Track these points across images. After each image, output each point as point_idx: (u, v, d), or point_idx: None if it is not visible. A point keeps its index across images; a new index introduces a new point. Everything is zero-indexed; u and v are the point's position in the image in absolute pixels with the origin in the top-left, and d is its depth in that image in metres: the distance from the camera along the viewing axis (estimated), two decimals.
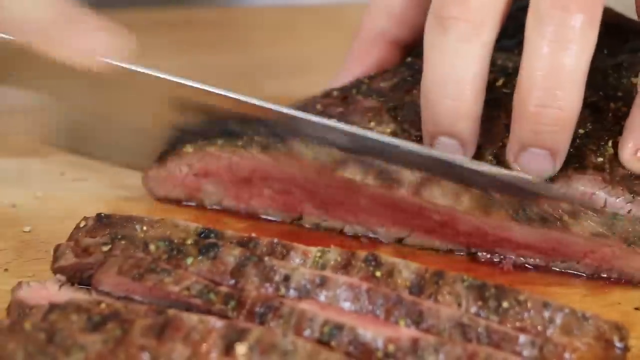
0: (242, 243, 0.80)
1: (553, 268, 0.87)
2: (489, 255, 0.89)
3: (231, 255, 0.78)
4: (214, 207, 0.95)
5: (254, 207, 0.94)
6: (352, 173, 0.87)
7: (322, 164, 0.88)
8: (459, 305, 0.75)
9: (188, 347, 0.70)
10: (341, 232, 0.93)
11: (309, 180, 0.90)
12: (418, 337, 0.72)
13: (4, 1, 0.86)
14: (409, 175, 0.87)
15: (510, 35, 0.92)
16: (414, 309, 0.74)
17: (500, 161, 0.87)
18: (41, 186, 0.99)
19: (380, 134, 0.88)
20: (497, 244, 0.88)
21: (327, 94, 0.96)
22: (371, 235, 0.92)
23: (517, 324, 0.74)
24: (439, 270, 0.77)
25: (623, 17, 0.99)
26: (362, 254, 0.78)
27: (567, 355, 0.72)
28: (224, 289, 0.76)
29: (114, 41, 0.87)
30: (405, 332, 0.73)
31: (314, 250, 0.79)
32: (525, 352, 0.72)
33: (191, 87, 0.91)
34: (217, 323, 0.71)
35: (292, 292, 0.76)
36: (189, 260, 0.78)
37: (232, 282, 0.76)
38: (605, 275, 0.86)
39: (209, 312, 0.74)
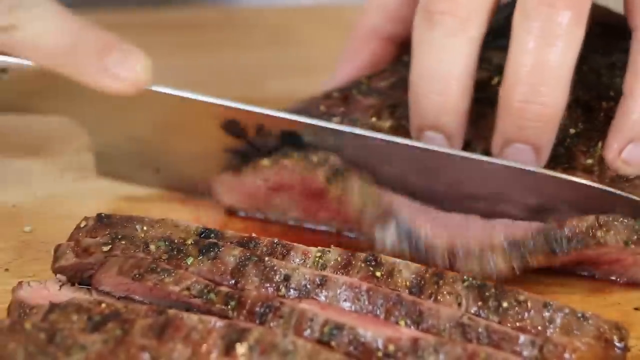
0: (242, 243, 0.80)
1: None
2: None
3: (231, 255, 0.78)
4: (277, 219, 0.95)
5: (320, 220, 0.93)
6: None
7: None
8: (459, 305, 0.75)
9: (188, 347, 0.70)
10: (341, 232, 0.93)
11: None
12: (418, 337, 0.72)
13: (19, 20, 0.85)
14: None
15: (506, 35, 0.92)
16: (414, 309, 0.74)
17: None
18: (41, 186, 0.99)
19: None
20: None
21: (328, 95, 0.96)
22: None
23: (517, 324, 0.74)
24: (439, 271, 0.77)
25: (618, 15, 0.99)
26: (362, 254, 0.78)
27: (567, 355, 0.72)
28: (224, 289, 0.76)
29: (140, 63, 0.87)
30: (405, 332, 0.73)
31: (314, 250, 0.79)
32: (525, 352, 0.72)
33: (242, 109, 0.90)
34: (217, 323, 0.71)
35: (292, 292, 0.76)
36: (189, 260, 0.78)
37: (232, 282, 0.77)
38: (605, 276, 0.86)
39: (209, 312, 0.74)
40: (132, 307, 0.73)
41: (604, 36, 0.88)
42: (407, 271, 0.77)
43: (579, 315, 0.74)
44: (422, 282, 0.76)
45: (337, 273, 0.77)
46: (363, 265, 0.78)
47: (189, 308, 0.75)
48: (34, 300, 0.77)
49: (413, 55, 0.86)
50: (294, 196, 0.92)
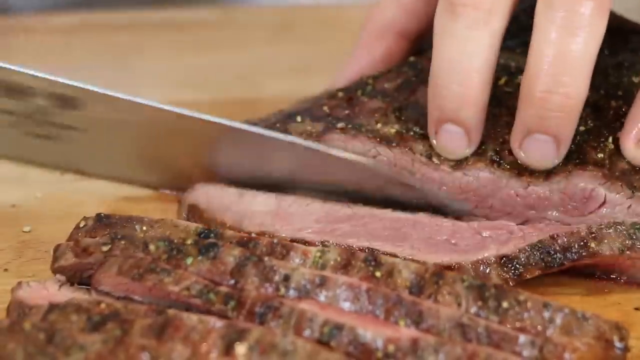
0: (242, 243, 0.80)
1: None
2: None
3: (231, 255, 0.78)
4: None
5: None
6: None
7: None
8: (459, 305, 0.75)
9: (188, 347, 0.70)
10: None
11: None
12: (418, 337, 0.72)
13: None
14: None
15: (513, 35, 0.92)
16: (414, 309, 0.74)
17: (502, 157, 0.87)
18: (41, 186, 0.99)
19: None
20: None
21: (332, 95, 0.96)
22: None
23: (517, 324, 0.74)
24: (439, 271, 0.77)
25: (624, 19, 1.00)
26: (362, 253, 0.78)
27: (567, 355, 0.72)
28: (223, 289, 0.76)
29: None
30: (405, 332, 0.73)
31: (313, 250, 0.79)
32: (525, 352, 0.72)
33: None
34: (217, 323, 0.71)
35: (292, 292, 0.76)
36: (189, 260, 0.78)
37: (232, 282, 0.76)
38: (605, 276, 0.86)
39: (209, 312, 0.74)
40: (132, 307, 0.73)
41: (609, 37, 0.88)
42: (406, 271, 0.77)
43: (579, 315, 0.74)
44: (422, 282, 0.76)
45: (336, 273, 0.77)
46: (363, 265, 0.77)
47: (188, 308, 0.75)
48: (34, 300, 0.77)
49: (434, 46, 0.86)
50: None
